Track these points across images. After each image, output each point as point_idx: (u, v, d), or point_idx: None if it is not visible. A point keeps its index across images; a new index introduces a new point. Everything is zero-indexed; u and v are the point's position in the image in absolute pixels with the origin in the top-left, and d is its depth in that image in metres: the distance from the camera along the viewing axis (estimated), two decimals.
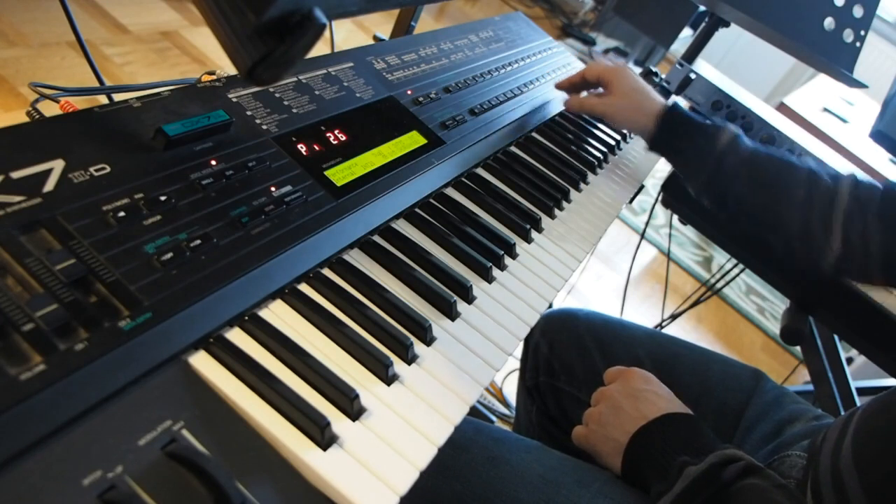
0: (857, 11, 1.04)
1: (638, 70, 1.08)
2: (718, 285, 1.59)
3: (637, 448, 0.58)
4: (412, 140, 0.64)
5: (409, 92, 0.70)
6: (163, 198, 0.42)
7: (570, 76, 0.90)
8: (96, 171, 0.41)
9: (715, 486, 0.50)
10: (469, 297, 0.54)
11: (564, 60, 1.05)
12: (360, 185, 0.55)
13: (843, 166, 1.16)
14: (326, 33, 0.80)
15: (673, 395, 0.64)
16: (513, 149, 0.79)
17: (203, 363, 0.38)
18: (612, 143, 0.93)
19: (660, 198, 1.16)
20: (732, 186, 0.76)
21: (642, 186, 0.96)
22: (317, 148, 0.55)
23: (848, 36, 1.03)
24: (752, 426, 0.79)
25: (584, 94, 0.89)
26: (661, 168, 1.03)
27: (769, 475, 0.52)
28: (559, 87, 0.91)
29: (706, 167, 0.77)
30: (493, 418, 1.40)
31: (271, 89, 0.57)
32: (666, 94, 1.24)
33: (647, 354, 0.85)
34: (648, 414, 0.60)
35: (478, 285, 0.56)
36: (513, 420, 1.40)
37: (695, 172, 0.79)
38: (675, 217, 1.19)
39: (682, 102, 1.19)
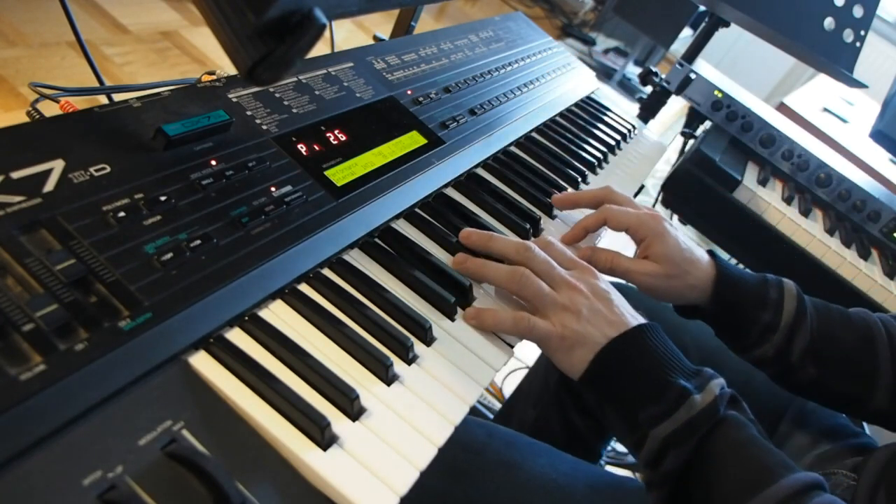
0: (857, 11, 1.04)
1: (637, 70, 1.07)
2: None
3: (614, 355, 0.52)
4: (412, 140, 0.64)
5: (409, 92, 0.70)
6: (163, 198, 0.42)
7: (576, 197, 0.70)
8: (96, 171, 0.41)
9: (716, 418, 0.49)
10: (469, 297, 0.54)
11: (564, 60, 1.05)
12: (360, 185, 0.55)
13: (844, 166, 1.17)
14: (326, 33, 0.80)
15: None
16: (513, 149, 0.79)
17: (203, 363, 0.38)
18: (613, 143, 0.93)
19: (660, 198, 1.16)
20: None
21: (642, 186, 0.96)
22: (317, 148, 0.55)
23: (848, 36, 1.03)
24: (789, 433, 0.78)
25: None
26: (661, 168, 1.03)
27: (744, 407, 0.52)
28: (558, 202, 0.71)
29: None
30: (492, 417, 1.40)
31: (271, 89, 0.57)
32: (666, 94, 1.24)
33: (693, 342, 0.84)
34: (625, 320, 0.54)
35: (478, 285, 0.56)
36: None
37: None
38: (675, 217, 1.19)
39: (682, 102, 1.19)
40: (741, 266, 1.34)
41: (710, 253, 0.68)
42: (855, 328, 0.67)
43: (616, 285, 0.60)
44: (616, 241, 1.04)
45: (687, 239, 0.67)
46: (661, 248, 0.64)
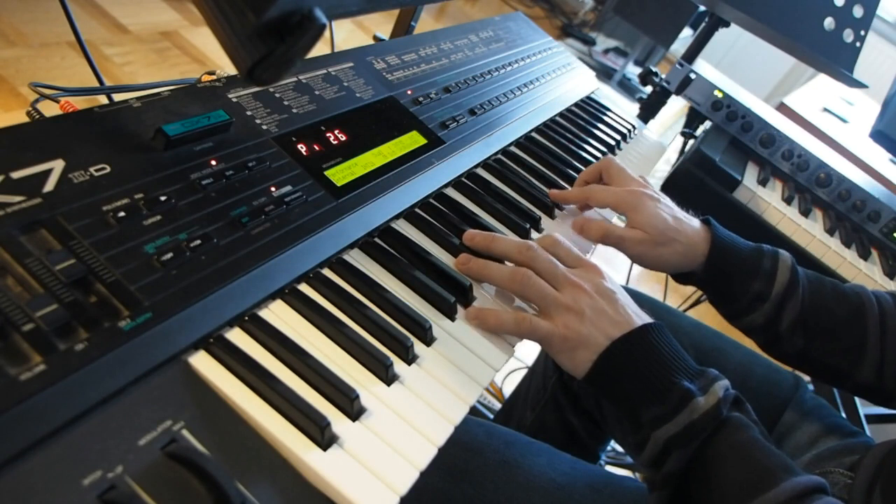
0: (857, 11, 1.04)
1: (637, 70, 1.07)
2: None
3: (618, 356, 0.51)
4: (412, 140, 0.64)
5: (409, 92, 0.70)
6: (163, 198, 0.42)
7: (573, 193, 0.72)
8: (96, 171, 0.41)
9: (719, 420, 0.49)
10: (469, 297, 0.54)
11: (564, 60, 1.05)
12: (360, 185, 0.55)
13: (844, 166, 1.16)
14: (326, 33, 0.80)
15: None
16: (513, 149, 0.79)
17: (203, 363, 0.38)
18: (613, 143, 0.93)
19: None
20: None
21: None
22: (317, 148, 0.55)
23: (848, 36, 1.03)
24: (787, 432, 0.79)
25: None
26: (661, 168, 1.03)
27: (748, 409, 0.52)
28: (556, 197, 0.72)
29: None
30: (491, 417, 1.40)
31: (271, 89, 0.57)
32: (666, 94, 1.24)
33: (691, 344, 0.84)
34: (630, 320, 0.54)
35: (478, 285, 0.56)
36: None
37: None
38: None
39: (682, 102, 1.19)
40: None
41: (705, 220, 0.69)
42: (847, 302, 0.68)
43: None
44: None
45: (674, 209, 0.68)
46: (641, 217, 0.66)
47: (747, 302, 0.67)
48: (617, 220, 0.74)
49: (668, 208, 0.67)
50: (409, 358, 0.46)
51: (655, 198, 0.68)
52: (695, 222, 0.68)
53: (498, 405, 1.45)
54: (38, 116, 0.51)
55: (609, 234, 0.66)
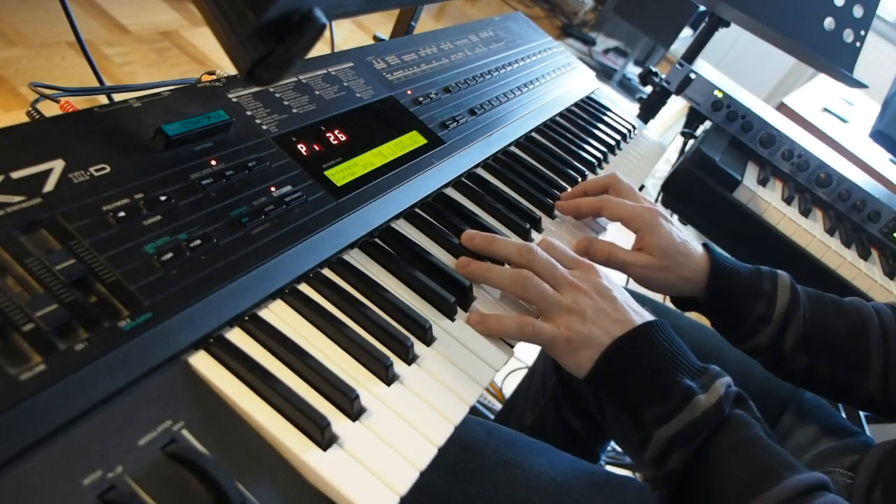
0: (857, 11, 1.04)
1: (637, 70, 1.07)
2: None
3: (619, 355, 0.51)
4: (412, 140, 0.64)
5: (409, 92, 0.70)
6: (163, 198, 0.42)
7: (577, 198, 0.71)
8: (96, 171, 0.41)
9: (720, 417, 0.49)
10: (469, 297, 0.54)
11: (564, 60, 1.05)
12: (360, 185, 0.55)
13: (844, 166, 1.16)
14: (326, 33, 0.80)
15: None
16: (513, 149, 0.79)
17: (203, 363, 0.38)
18: (613, 143, 0.93)
19: (660, 198, 1.16)
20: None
21: (642, 186, 0.96)
22: (317, 148, 0.55)
23: (848, 36, 1.03)
24: (787, 433, 0.79)
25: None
26: (661, 168, 1.03)
27: (750, 406, 0.52)
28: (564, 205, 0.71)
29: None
30: (492, 417, 1.40)
31: (271, 89, 0.57)
32: (666, 94, 1.24)
33: (691, 343, 0.84)
34: (631, 319, 0.54)
35: (478, 285, 0.56)
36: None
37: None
38: (676, 217, 1.19)
39: (682, 102, 1.19)
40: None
41: (705, 245, 0.69)
42: (848, 317, 0.68)
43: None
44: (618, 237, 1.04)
45: (683, 233, 0.68)
46: (654, 240, 0.65)
47: (751, 324, 0.67)
48: (612, 231, 0.73)
49: (679, 231, 0.67)
50: (409, 358, 0.46)
51: (669, 219, 0.67)
52: (698, 247, 0.68)
53: (498, 405, 1.45)
54: (38, 116, 0.52)
55: (613, 256, 0.65)
